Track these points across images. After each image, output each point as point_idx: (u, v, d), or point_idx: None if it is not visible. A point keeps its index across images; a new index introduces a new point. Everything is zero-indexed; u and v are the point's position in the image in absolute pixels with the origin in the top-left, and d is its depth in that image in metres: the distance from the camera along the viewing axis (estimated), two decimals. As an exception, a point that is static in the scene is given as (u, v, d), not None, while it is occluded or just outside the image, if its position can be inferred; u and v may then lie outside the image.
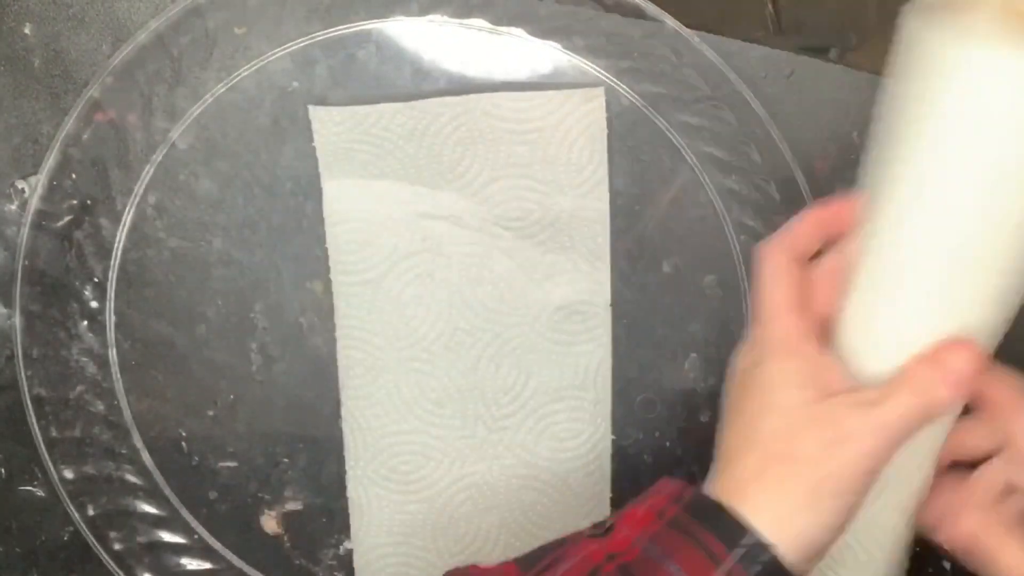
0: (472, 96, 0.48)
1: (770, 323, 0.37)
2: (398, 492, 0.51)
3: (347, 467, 0.51)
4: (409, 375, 0.51)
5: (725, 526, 0.33)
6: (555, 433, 0.52)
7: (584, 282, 0.51)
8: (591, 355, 0.51)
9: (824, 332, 0.37)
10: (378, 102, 0.49)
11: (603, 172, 0.50)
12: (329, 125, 0.49)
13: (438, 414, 0.51)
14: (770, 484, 0.34)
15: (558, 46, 0.49)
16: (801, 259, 0.38)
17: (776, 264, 0.37)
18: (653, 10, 0.48)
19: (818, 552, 0.34)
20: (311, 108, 0.49)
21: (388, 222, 0.49)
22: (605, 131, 0.49)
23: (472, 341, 0.51)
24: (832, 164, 0.51)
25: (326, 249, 0.50)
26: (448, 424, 0.51)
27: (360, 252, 0.50)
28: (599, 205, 0.50)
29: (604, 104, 0.49)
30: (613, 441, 0.52)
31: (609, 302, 0.51)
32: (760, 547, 0.32)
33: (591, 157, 0.49)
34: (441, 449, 0.51)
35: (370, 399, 0.51)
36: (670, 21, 0.48)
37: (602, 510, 0.52)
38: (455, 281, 0.50)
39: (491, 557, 0.51)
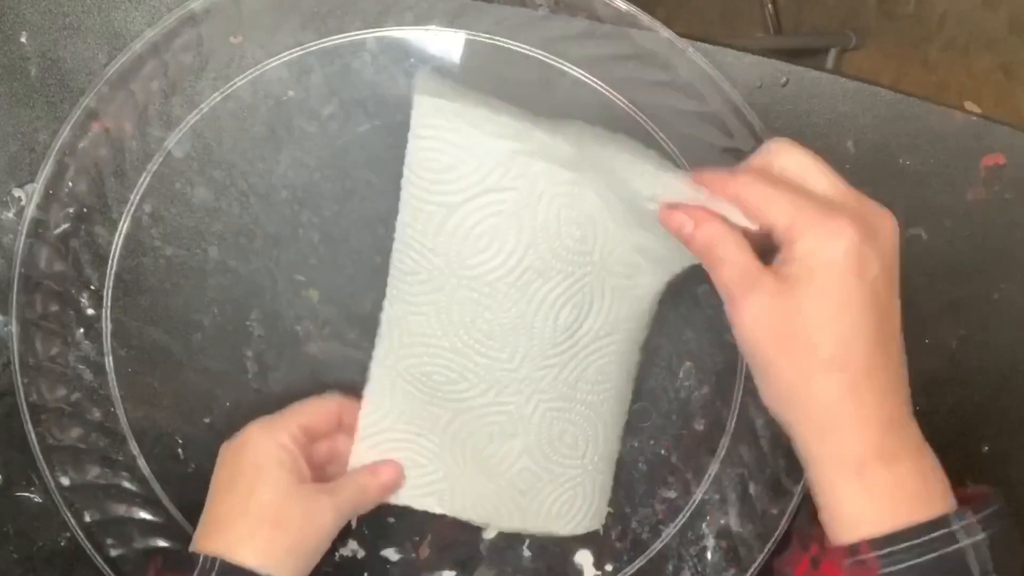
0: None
1: (276, 420, 0.47)
2: (424, 393, 0.50)
3: (374, 359, 0.49)
4: (464, 302, 0.48)
5: (187, 561, 0.43)
6: (600, 367, 0.50)
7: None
8: (647, 288, 0.49)
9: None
10: (376, 109, 0.49)
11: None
12: (431, 87, 0.46)
13: (485, 344, 0.49)
14: (260, 544, 0.43)
15: (552, 56, 0.49)
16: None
17: (322, 403, 0.50)
18: (647, 20, 0.49)
19: None
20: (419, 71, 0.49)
21: (480, 151, 0.45)
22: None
23: (541, 282, 0.47)
24: (826, 173, 0.52)
25: (322, 257, 0.51)
26: (494, 356, 0.49)
27: (442, 174, 0.46)
28: None
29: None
30: (607, 449, 0.52)
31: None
32: (210, 561, 0.42)
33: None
34: (479, 375, 0.49)
35: (417, 307, 0.48)
36: (664, 31, 0.49)
37: (616, 434, 0.52)
38: (541, 220, 0.46)
39: (506, 475, 0.51)
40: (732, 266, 0.39)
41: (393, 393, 0.50)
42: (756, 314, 0.38)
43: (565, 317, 0.48)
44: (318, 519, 0.45)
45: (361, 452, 0.49)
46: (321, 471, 0.49)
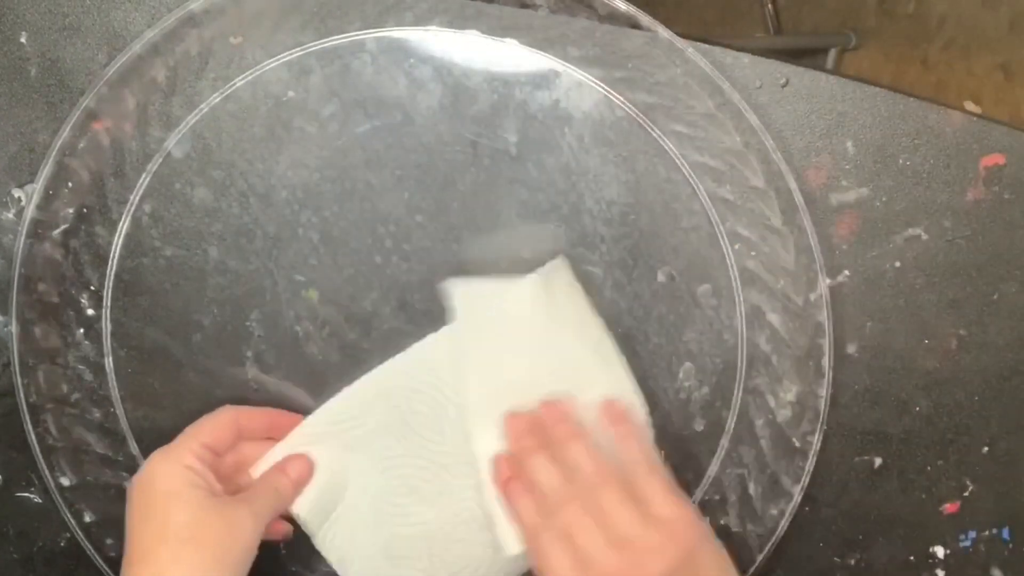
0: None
1: (175, 445, 0.47)
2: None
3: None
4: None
5: None
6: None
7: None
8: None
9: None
10: (376, 109, 0.49)
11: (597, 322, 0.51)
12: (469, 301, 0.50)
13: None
14: (185, 566, 0.43)
15: (553, 56, 0.49)
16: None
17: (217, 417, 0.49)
18: (647, 20, 0.48)
19: None
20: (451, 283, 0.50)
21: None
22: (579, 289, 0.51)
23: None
24: (826, 173, 0.52)
25: (322, 257, 0.51)
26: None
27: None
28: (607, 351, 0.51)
29: (567, 265, 0.51)
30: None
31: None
32: None
33: (579, 320, 0.51)
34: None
35: None
36: (664, 31, 0.48)
37: None
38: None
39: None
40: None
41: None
42: None
43: None
44: (237, 529, 0.45)
45: (269, 458, 0.50)
46: (231, 482, 0.49)
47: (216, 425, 0.48)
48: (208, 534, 0.44)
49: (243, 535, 0.45)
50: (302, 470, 0.49)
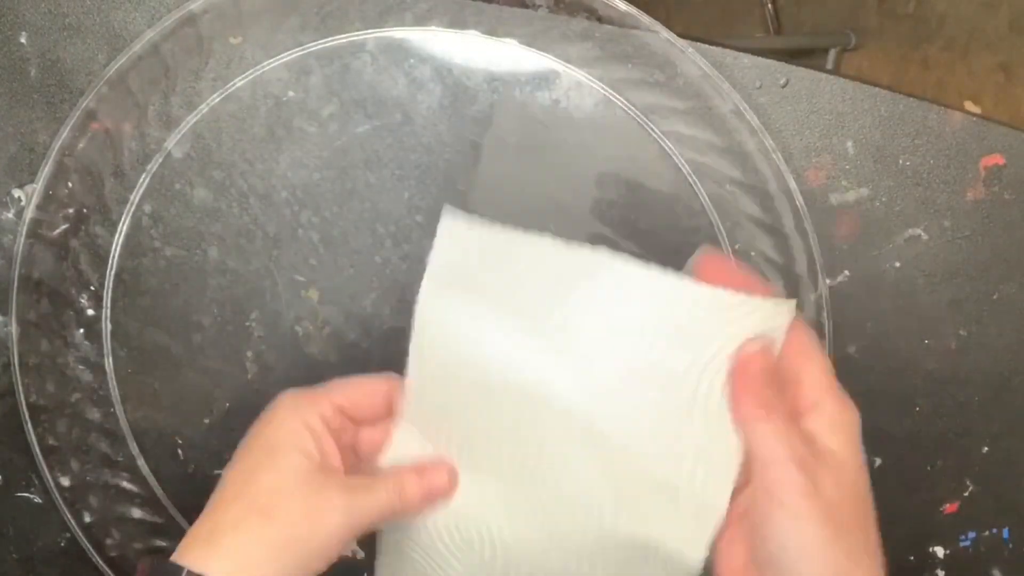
0: (633, 268, 0.38)
1: (313, 394, 0.40)
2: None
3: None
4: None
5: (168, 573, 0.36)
6: None
7: (677, 531, 0.38)
8: None
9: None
10: (376, 109, 0.49)
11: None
12: (456, 239, 0.40)
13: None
14: (243, 534, 0.36)
15: (552, 56, 0.49)
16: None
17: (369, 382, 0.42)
18: (647, 20, 0.49)
19: None
20: (446, 208, 0.41)
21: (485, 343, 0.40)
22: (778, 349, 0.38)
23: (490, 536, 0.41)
24: (826, 174, 0.52)
25: (322, 257, 0.51)
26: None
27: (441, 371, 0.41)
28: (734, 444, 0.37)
29: (789, 321, 0.37)
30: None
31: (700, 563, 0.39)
32: None
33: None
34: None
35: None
36: (663, 31, 0.48)
37: None
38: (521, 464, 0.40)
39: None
40: (788, 470, 0.35)
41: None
42: (806, 522, 0.34)
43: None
44: (321, 517, 0.37)
45: (400, 445, 0.41)
46: (362, 464, 0.41)
47: (364, 390, 0.41)
48: (282, 510, 0.37)
49: (324, 528, 0.37)
50: (442, 483, 0.40)
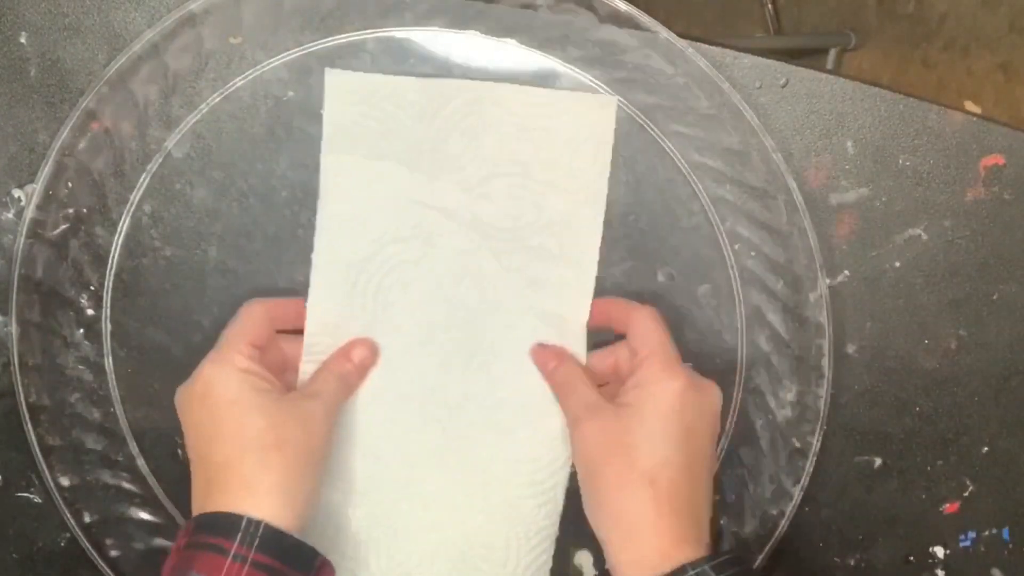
0: (487, 84, 0.48)
1: (223, 351, 0.45)
2: (341, 492, 0.50)
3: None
4: (378, 366, 0.49)
5: (224, 524, 0.41)
6: (513, 453, 0.50)
7: (567, 296, 0.50)
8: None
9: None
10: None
11: (603, 183, 0.49)
12: (343, 92, 0.48)
13: (398, 410, 0.50)
14: (274, 474, 0.42)
15: (553, 57, 0.49)
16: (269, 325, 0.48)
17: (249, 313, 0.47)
18: (647, 21, 0.48)
19: (309, 508, 0.44)
20: (327, 71, 0.48)
21: (382, 204, 0.49)
22: (611, 141, 0.49)
23: (445, 338, 0.50)
24: (826, 173, 0.52)
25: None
26: (406, 422, 0.50)
27: (349, 232, 0.49)
28: (593, 215, 0.50)
29: (614, 113, 0.49)
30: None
31: (585, 323, 0.50)
32: (254, 525, 0.40)
33: (592, 164, 0.49)
34: (391, 451, 0.50)
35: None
36: (664, 32, 0.48)
37: (546, 546, 0.51)
38: (439, 274, 0.49)
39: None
40: (579, 397, 0.47)
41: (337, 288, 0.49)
42: (592, 434, 0.45)
43: (472, 383, 0.50)
44: (313, 425, 0.44)
45: (312, 343, 0.48)
46: (281, 381, 0.47)
47: (253, 322, 0.46)
48: (289, 436, 0.43)
49: (320, 431, 0.44)
50: (366, 354, 0.48)
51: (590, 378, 0.48)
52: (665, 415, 0.44)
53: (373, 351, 0.49)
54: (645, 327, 0.47)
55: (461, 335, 0.50)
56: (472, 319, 0.50)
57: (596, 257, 0.50)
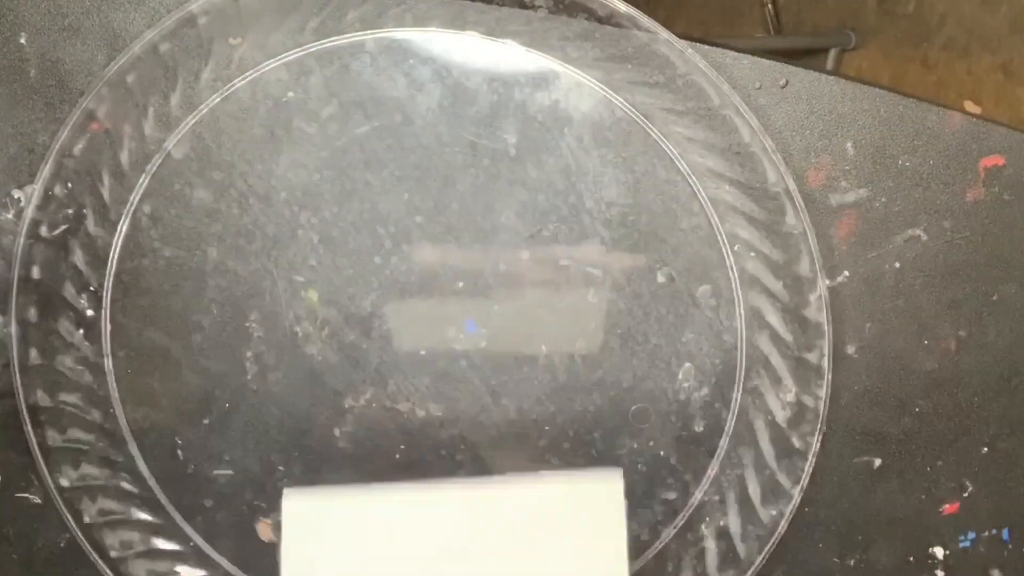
0: (468, 487, 0.45)
1: None
2: None
3: None
4: None
5: None
6: None
7: None
8: None
9: None
10: (375, 110, 0.49)
11: (623, 566, 0.46)
12: (304, 521, 0.45)
13: None
14: None
15: (552, 57, 0.49)
16: None
17: None
18: (647, 22, 0.48)
19: None
20: (286, 493, 0.46)
21: None
22: (624, 522, 0.46)
23: None
24: (826, 174, 0.52)
25: (321, 258, 0.51)
26: None
27: None
28: None
29: (622, 487, 0.46)
30: (607, 449, 0.52)
31: None
32: None
33: (606, 548, 0.46)
34: None
35: None
36: (663, 32, 0.48)
37: None
38: None
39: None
40: None
41: None
42: None
43: None
44: None
45: None
46: None
47: None
48: None
49: None
50: None
51: None
52: None
53: None
54: None
55: None
56: None
57: None
